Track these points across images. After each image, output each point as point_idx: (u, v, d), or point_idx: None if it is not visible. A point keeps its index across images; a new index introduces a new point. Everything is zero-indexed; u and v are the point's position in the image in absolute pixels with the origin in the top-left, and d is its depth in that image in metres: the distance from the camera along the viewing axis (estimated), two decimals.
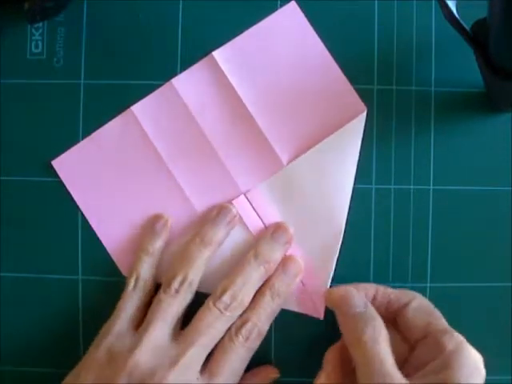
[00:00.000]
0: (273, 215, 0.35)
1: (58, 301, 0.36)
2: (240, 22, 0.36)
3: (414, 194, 0.35)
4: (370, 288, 0.34)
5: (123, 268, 0.36)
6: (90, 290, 0.36)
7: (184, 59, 0.36)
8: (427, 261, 0.35)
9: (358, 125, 0.35)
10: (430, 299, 0.33)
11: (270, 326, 0.34)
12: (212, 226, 0.34)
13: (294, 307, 0.35)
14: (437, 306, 0.35)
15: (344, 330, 0.32)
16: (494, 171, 0.35)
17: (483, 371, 0.30)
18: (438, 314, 0.33)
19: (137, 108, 0.36)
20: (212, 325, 0.32)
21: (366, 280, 0.35)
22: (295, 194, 0.35)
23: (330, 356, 0.33)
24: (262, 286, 0.34)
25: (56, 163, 0.36)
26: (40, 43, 0.36)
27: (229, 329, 0.33)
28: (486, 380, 0.35)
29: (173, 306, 0.33)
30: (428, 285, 0.35)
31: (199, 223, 0.35)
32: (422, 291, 0.35)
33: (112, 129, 0.36)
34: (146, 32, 0.36)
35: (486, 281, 0.35)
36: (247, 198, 0.35)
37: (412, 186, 0.35)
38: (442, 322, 0.32)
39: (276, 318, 0.34)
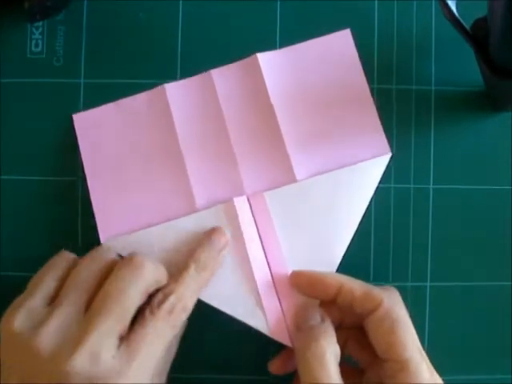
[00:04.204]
0: (269, 226, 0.34)
1: None
2: (240, 22, 0.36)
3: (413, 194, 0.35)
4: (334, 283, 0.31)
5: (102, 234, 0.35)
6: None
7: (184, 59, 0.36)
8: (427, 261, 0.35)
9: (380, 164, 0.35)
10: (430, 299, 0.33)
11: None
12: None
13: (262, 328, 0.33)
14: (437, 305, 0.35)
15: (294, 343, 0.31)
16: (494, 171, 0.35)
17: None
18: (402, 331, 0.29)
19: (169, 87, 0.35)
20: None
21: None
22: (298, 212, 0.34)
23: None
24: (188, 258, 0.32)
25: (76, 117, 0.36)
26: (40, 42, 0.36)
27: (150, 302, 0.30)
28: (486, 380, 0.35)
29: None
30: (428, 285, 0.35)
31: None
32: (422, 291, 0.35)
33: (139, 100, 0.35)
34: (147, 32, 0.36)
35: (485, 280, 0.35)
36: (249, 201, 0.34)
37: (412, 185, 0.35)
38: (404, 344, 0.28)
39: None
